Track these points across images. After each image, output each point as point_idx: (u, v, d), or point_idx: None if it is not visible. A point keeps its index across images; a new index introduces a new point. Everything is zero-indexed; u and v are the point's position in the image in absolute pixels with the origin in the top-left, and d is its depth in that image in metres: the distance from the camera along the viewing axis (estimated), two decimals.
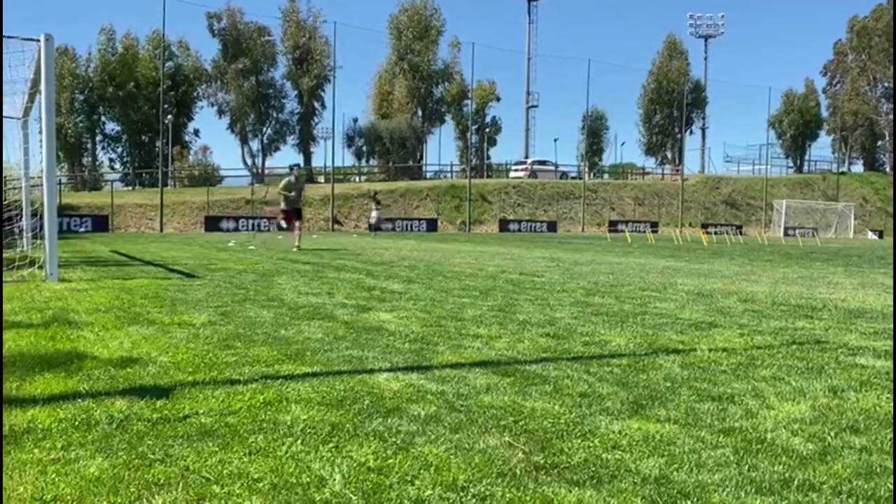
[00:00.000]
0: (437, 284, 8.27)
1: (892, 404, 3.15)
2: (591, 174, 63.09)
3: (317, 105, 56.80)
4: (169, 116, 46.07)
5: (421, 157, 61.45)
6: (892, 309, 6.49)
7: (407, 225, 43.15)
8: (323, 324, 5.19)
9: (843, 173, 70.80)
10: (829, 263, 13.95)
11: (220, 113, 55.59)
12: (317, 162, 59.18)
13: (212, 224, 36.26)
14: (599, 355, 4.20)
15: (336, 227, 40.13)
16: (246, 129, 55.81)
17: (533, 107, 68.14)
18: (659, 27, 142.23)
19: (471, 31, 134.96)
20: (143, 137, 52.36)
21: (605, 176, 65.23)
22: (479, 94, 61.99)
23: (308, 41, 54.40)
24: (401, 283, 8.29)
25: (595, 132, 65.50)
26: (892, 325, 5.38)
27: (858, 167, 76.33)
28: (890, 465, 2.39)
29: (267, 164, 57.83)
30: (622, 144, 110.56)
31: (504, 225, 46.30)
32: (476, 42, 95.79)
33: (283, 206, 16.98)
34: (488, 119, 64.26)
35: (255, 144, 56.90)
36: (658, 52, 68.17)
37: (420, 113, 60.29)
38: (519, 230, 45.74)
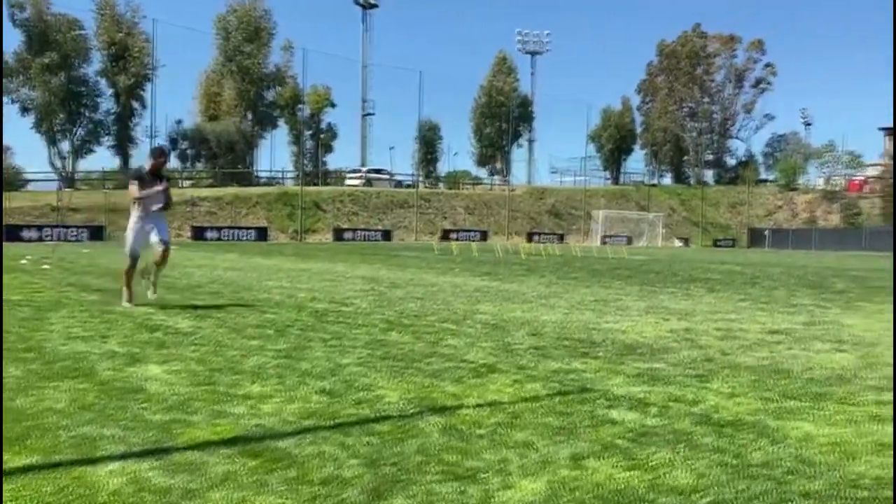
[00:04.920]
0: (232, 320, 7.85)
1: (624, 474, 3.26)
2: (426, 183, 64.06)
3: (136, 105, 53.39)
4: None
5: (252, 163, 59.52)
6: (663, 342, 6.94)
7: (234, 234, 41.49)
8: (75, 385, 4.68)
9: (654, 185, 77.00)
10: (628, 282, 14.90)
11: (24, 111, 50.71)
12: (136, 165, 55.50)
13: (11, 234, 32.83)
14: (366, 419, 4.07)
15: None
16: (54, 129, 51.29)
17: (369, 114, 68.30)
18: (492, 43, 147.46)
19: (305, 36, 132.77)
20: None
21: (441, 185, 66.52)
22: (313, 100, 61.11)
23: (126, 37, 51.00)
24: (193, 320, 7.78)
25: (430, 142, 66.75)
26: (655, 365, 5.72)
27: (668, 179, 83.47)
28: None
29: (79, 166, 53.56)
30: (455, 155, 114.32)
31: (339, 234, 45.79)
32: (310, 47, 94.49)
33: None
34: (324, 125, 63.49)
35: (65, 146, 52.45)
36: (490, 66, 70.75)
37: (250, 116, 58.41)
38: (354, 239, 45.41)
